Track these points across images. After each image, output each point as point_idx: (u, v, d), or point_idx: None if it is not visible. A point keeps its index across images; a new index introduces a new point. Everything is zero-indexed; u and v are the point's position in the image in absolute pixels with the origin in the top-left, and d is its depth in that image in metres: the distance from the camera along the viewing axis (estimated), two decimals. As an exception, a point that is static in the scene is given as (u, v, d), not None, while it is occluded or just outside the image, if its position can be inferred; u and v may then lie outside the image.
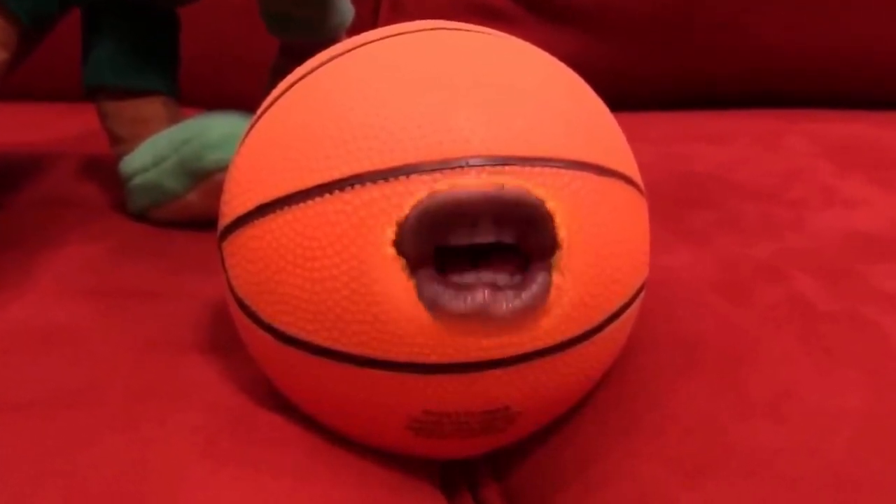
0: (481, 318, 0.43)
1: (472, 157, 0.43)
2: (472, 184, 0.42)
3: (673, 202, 0.74)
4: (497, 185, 0.42)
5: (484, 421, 0.47)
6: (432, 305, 0.43)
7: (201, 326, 0.60)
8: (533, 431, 0.52)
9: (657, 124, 0.94)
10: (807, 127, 0.91)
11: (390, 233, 0.43)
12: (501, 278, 0.44)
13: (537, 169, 0.44)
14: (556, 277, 0.44)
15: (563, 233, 0.43)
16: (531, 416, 0.49)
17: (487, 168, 0.43)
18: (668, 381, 0.54)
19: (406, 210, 0.42)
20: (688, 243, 0.67)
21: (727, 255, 0.66)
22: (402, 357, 0.44)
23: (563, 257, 0.44)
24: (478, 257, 0.44)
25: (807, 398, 0.52)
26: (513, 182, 0.43)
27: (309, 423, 0.51)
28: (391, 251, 0.42)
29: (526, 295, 0.43)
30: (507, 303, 0.43)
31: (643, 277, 0.51)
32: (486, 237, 0.43)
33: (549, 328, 0.45)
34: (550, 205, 0.43)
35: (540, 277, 0.43)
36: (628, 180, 0.49)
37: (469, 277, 0.44)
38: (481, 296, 0.43)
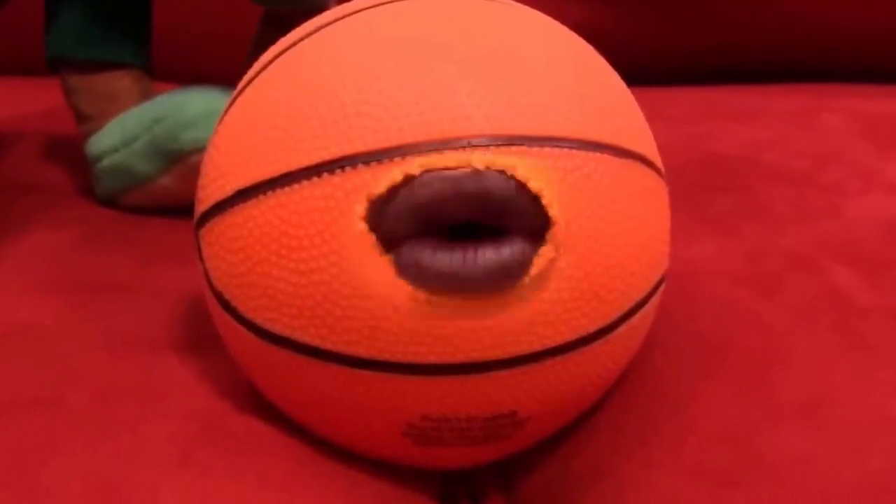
0: (459, 282, 0.43)
1: (474, 136, 0.43)
2: (450, 163, 0.42)
3: (696, 186, 0.74)
4: (473, 170, 0.42)
5: (488, 427, 0.47)
6: (411, 270, 0.43)
7: (176, 323, 0.60)
8: (542, 439, 0.53)
9: (678, 101, 0.94)
10: (844, 103, 0.90)
11: (362, 221, 0.43)
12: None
13: (546, 149, 0.44)
14: (547, 250, 0.44)
15: (554, 210, 0.43)
16: (540, 421, 0.49)
17: (492, 148, 0.43)
18: (690, 383, 0.55)
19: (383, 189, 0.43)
20: (713, 232, 0.68)
21: (756, 244, 0.66)
22: (398, 357, 0.44)
23: (559, 234, 0.44)
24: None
25: (844, 402, 0.52)
26: (498, 161, 0.43)
27: (295, 429, 0.51)
28: (373, 237, 0.43)
29: (505, 252, 0.43)
30: (486, 254, 0.43)
31: (663, 269, 0.51)
32: (468, 217, 0.43)
33: (558, 323, 0.45)
34: (535, 185, 0.43)
35: (520, 241, 0.43)
36: (647, 162, 0.49)
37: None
38: (459, 255, 0.43)
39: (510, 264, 0.43)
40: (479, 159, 0.43)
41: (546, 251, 0.43)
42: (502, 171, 0.43)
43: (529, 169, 0.43)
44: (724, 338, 0.57)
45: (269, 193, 0.45)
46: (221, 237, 0.47)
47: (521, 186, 0.43)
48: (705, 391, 0.54)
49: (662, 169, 0.52)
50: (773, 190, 0.73)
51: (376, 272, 0.43)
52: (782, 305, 0.59)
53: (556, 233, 0.44)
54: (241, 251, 0.46)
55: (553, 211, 0.43)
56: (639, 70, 0.79)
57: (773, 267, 0.63)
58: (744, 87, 0.99)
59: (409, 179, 0.42)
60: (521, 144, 0.44)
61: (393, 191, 0.43)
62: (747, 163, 0.78)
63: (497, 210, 0.43)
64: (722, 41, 1.03)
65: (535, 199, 0.43)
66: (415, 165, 0.42)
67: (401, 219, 0.43)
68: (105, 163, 0.75)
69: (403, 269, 0.43)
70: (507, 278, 0.43)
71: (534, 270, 0.43)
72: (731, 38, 1.02)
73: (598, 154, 0.46)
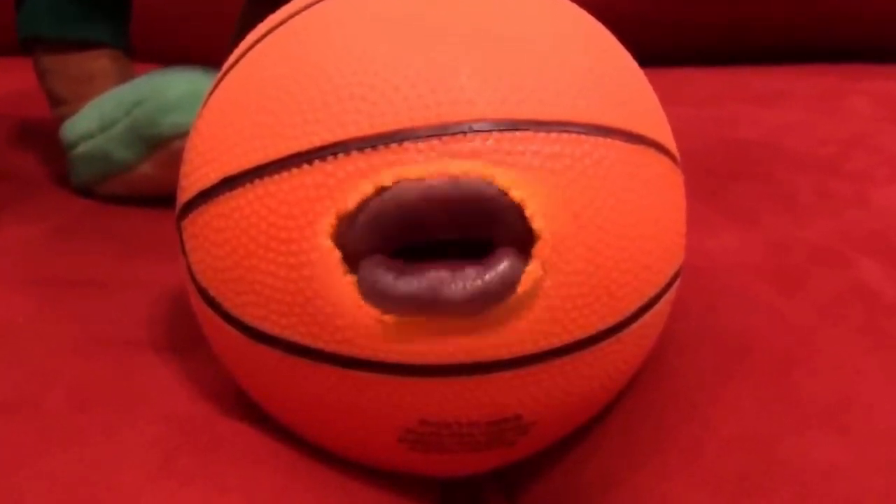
0: (432, 306, 0.43)
1: (476, 121, 0.43)
2: (422, 173, 0.42)
3: (714, 174, 0.74)
4: (450, 179, 0.42)
5: (491, 433, 0.47)
6: (371, 291, 0.43)
7: (157, 321, 0.60)
8: (548, 445, 0.53)
9: (696, 82, 0.94)
10: (871, 85, 0.90)
11: (330, 225, 0.43)
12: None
13: (553, 135, 0.44)
14: (533, 269, 0.44)
15: (539, 223, 0.43)
16: (546, 426, 0.49)
17: (495, 134, 0.43)
18: (708, 386, 0.54)
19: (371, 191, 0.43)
20: (732, 223, 0.67)
21: (778, 236, 0.66)
22: (393, 357, 0.44)
23: (544, 249, 0.44)
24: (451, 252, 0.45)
25: (872, 405, 0.52)
26: (472, 170, 0.43)
27: (285, 435, 0.51)
28: (338, 254, 0.43)
29: (491, 276, 0.43)
30: (466, 282, 0.43)
31: (678, 263, 0.51)
32: (443, 234, 0.43)
33: (566, 321, 0.45)
34: (516, 194, 0.43)
35: (506, 260, 0.43)
36: (661, 148, 0.49)
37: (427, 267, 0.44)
38: (433, 274, 0.43)
39: (495, 290, 0.43)
40: (457, 167, 0.42)
41: (532, 269, 0.43)
42: (482, 180, 0.43)
43: (512, 177, 0.43)
44: (744, 336, 0.57)
45: (257, 182, 0.45)
46: (206, 228, 0.47)
47: (503, 196, 0.43)
48: (724, 394, 0.54)
49: (678, 155, 0.52)
50: (796, 178, 0.73)
51: (343, 291, 0.44)
52: (806, 301, 0.59)
53: (542, 248, 0.44)
54: (227, 243, 0.46)
55: (538, 224, 0.43)
56: (653, 50, 0.79)
57: (796, 260, 0.63)
58: (765, 67, 1.00)
59: (380, 192, 0.43)
60: (527, 129, 0.44)
61: (363, 205, 0.43)
62: (769, 149, 0.77)
63: (476, 223, 0.43)
64: (742, 19, 1.02)
65: (518, 210, 0.43)
66: (387, 176, 0.42)
67: (366, 235, 0.43)
68: (81, 149, 0.75)
69: (365, 294, 0.43)
70: (489, 301, 0.43)
71: (520, 288, 0.43)
72: (753, 15, 1.02)
73: (608, 140, 0.46)
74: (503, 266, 0.43)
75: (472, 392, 0.45)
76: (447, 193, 0.42)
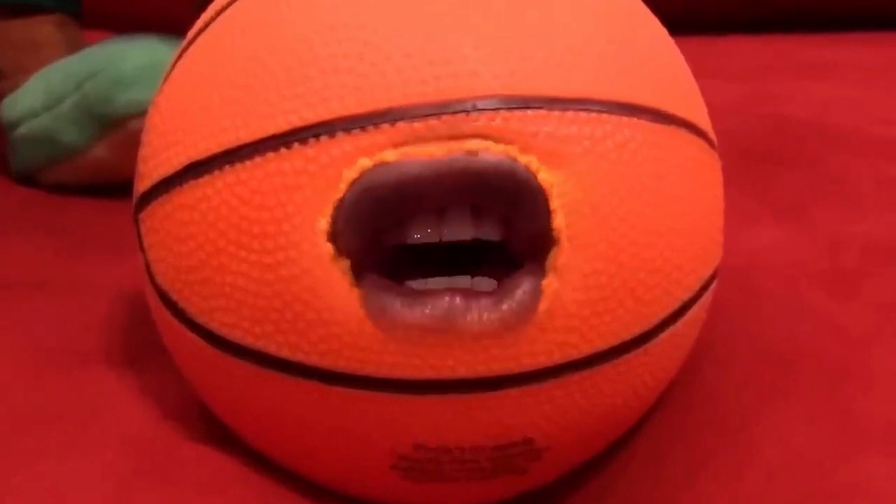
0: (447, 333, 0.43)
1: (481, 97, 0.43)
2: (430, 152, 0.42)
3: (756, 159, 0.74)
4: (467, 153, 0.42)
5: (498, 459, 0.47)
6: (379, 317, 0.43)
7: (111, 329, 0.60)
8: (564, 473, 0.52)
9: (735, 53, 0.94)
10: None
11: (312, 217, 0.43)
12: (482, 283, 0.44)
13: (570, 113, 0.44)
14: (550, 282, 0.44)
15: (559, 219, 0.43)
16: (562, 452, 0.49)
17: (502, 112, 0.43)
18: (749, 404, 0.54)
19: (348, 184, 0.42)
20: (777, 216, 0.67)
21: (830, 232, 0.66)
22: (384, 372, 0.44)
23: (562, 255, 0.44)
24: (459, 262, 0.45)
25: (938, 426, 0.51)
26: (493, 146, 0.43)
27: (258, 461, 0.51)
28: (342, 263, 0.43)
29: (508, 304, 0.43)
30: (482, 313, 0.43)
31: (715, 262, 0.51)
32: (457, 230, 0.43)
33: (585, 329, 0.45)
34: (543, 177, 0.43)
35: (525, 283, 0.44)
36: (694, 129, 0.49)
37: (437, 283, 0.44)
38: (446, 302, 0.43)
39: (515, 317, 0.43)
40: (473, 145, 0.42)
41: (551, 281, 0.44)
42: (509, 158, 0.43)
43: (532, 163, 0.43)
44: (792, 346, 0.57)
45: (227, 168, 0.45)
46: (167, 222, 0.47)
47: (529, 179, 0.43)
48: (768, 413, 0.54)
49: (714, 138, 0.52)
50: (850, 163, 0.73)
51: (327, 294, 0.43)
52: (862, 307, 0.59)
53: (561, 251, 0.44)
54: (192, 239, 0.46)
55: (558, 221, 0.44)
56: (686, 15, 0.79)
57: (850, 259, 0.63)
58: (814, 35, 1.00)
59: (378, 169, 0.43)
60: (540, 107, 0.44)
61: (355, 190, 0.43)
62: (818, 129, 0.78)
63: (491, 210, 0.43)
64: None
65: (542, 198, 0.43)
66: (388, 153, 0.42)
67: (357, 226, 0.43)
68: (23, 130, 0.75)
69: (371, 317, 0.43)
70: (508, 329, 0.43)
71: (542, 306, 0.43)
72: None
73: (634, 119, 0.46)
74: (521, 292, 0.43)
75: (476, 412, 0.45)
76: (464, 169, 0.42)
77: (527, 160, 0.43)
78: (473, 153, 0.42)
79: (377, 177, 0.42)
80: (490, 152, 0.42)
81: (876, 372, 0.55)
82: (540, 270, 0.44)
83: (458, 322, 0.43)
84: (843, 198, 0.69)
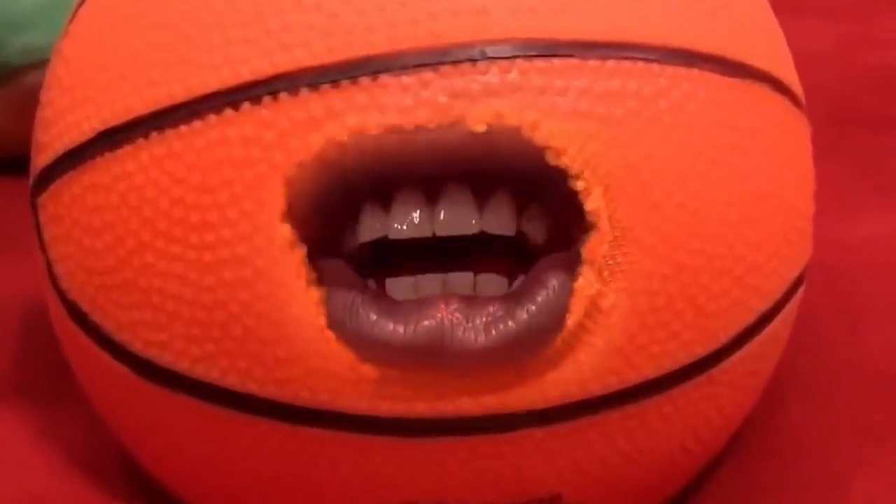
0: (442, 356, 0.40)
1: (492, 42, 0.40)
2: (421, 118, 0.40)
3: (860, 124, 0.73)
4: (470, 128, 0.39)
5: (517, 521, 0.46)
6: (347, 336, 0.41)
7: (1, 350, 0.59)
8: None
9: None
10: None
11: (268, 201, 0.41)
12: (489, 282, 0.42)
13: (611, 63, 0.41)
14: (585, 284, 0.41)
15: (593, 203, 0.40)
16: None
17: (519, 62, 0.40)
18: (849, 448, 0.53)
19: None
20: (885, 199, 0.66)
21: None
22: (360, 407, 0.41)
23: (601, 246, 0.41)
24: (458, 254, 0.44)
25: None
26: (507, 109, 0.40)
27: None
28: (300, 252, 0.41)
29: (527, 313, 0.40)
30: (489, 328, 0.40)
31: (804, 259, 0.49)
32: (455, 221, 0.41)
33: (629, 351, 0.42)
34: (571, 155, 0.40)
35: (552, 283, 0.40)
36: (777, 85, 0.47)
37: (429, 282, 0.42)
38: (437, 320, 0.40)
39: (529, 333, 0.40)
40: (483, 112, 0.39)
41: (584, 285, 0.41)
42: (514, 131, 0.40)
43: (560, 129, 0.40)
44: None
45: (155, 136, 0.42)
46: (75, 208, 0.45)
47: (544, 158, 0.40)
48: (874, 459, 0.52)
49: (801, 95, 0.50)
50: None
51: (289, 301, 0.41)
52: None
53: (598, 245, 0.41)
54: (109, 230, 0.43)
55: (593, 204, 0.40)
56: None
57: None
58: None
59: (349, 145, 0.40)
60: (570, 55, 0.41)
61: (318, 170, 0.40)
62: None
63: (495, 178, 0.41)
64: None
65: (565, 181, 0.40)
66: (367, 123, 0.40)
67: (322, 213, 0.41)
68: None
69: (331, 326, 0.41)
70: (524, 351, 0.40)
71: (570, 320, 0.41)
72: None
73: (695, 71, 0.43)
74: (544, 296, 0.41)
75: (486, 460, 0.43)
76: (465, 141, 0.40)
77: (552, 127, 0.40)
78: (480, 121, 0.40)
79: (353, 151, 0.40)
80: (503, 118, 0.40)
81: None
82: (569, 267, 0.41)
83: (455, 342, 0.40)
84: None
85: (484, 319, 0.40)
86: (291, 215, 0.41)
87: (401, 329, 0.40)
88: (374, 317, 0.40)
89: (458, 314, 0.40)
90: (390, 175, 0.40)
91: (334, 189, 0.40)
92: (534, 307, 0.40)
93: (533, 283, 0.41)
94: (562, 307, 0.40)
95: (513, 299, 0.40)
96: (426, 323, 0.40)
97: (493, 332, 0.40)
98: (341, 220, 0.41)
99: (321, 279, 0.41)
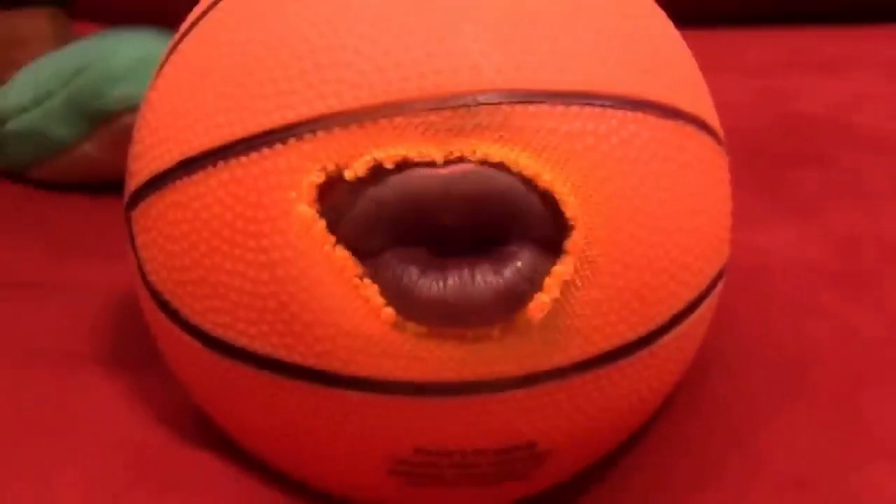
0: (452, 314, 0.43)
1: (483, 91, 0.43)
2: (431, 155, 0.43)
3: (769, 157, 0.74)
4: (460, 170, 0.43)
5: (500, 463, 0.47)
6: (393, 295, 0.43)
7: (101, 331, 0.60)
8: (568, 479, 0.52)
9: (747, 46, 0.94)
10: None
11: (309, 216, 0.44)
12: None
13: (574, 108, 0.44)
14: (563, 269, 0.44)
15: (573, 210, 0.43)
16: (566, 456, 0.49)
17: (504, 107, 0.43)
18: (759, 411, 0.54)
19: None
20: (789, 214, 0.67)
21: (846, 232, 0.66)
22: (384, 373, 0.44)
23: (578, 243, 0.44)
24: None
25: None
26: (494, 152, 0.43)
27: (255, 466, 0.51)
28: (340, 249, 0.44)
29: (507, 273, 0.43)
30: (481, 282, 0.43)
31: (722, 261, 0.51)
32: (456, 236, 0.43)
33: (588, 330, 0.45)
34: (546, 179, 0.43)
35: (526, 254, 0.43)
36: (702, 125, 0.49)
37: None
38: (460, 274, 0.43)
39: (513, 289, 0.43)
40: (482, 151, 0.43)
41: (560, 270, 0.44)
42: (503, 166, 0.43)
43: (538, 161, 0.43)
44: (804, 350, 0.57)
45: (221, 165, 0.45)
46: (160, 220, 0.47)
47: (528, 185, 0.43)
48: (778, 420, 0.54)
49: (722, 134, 0.52)
50: (866, 161, 0.73)
51: (325, 294, 0.44)
52: (878, 310, 0.59)
53: (576, 242, 0.44)
54: (186, 238, 0.46)
55: (572, 211, 0.43)
56: (695, 7, 0.78)
57: (866, 260, 0.63)
58: (830, 29, 0.99)
59: (377, 175, 0.43)
60: (542, 102, 0.44)
61: (355, 191, 0.43)
62: (834, 126, 0.78)
63: (495, 217, 0.43)
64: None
65: (546, 199, 0.43)
66: (385, 157, 0.43)
67: (368, 229, 0.43)
68: (12, 126, 0.75)
69: (384, 291, 0.43)
70: (509, 308, 0.43)
71: (546, 295, 0.43)
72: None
73: (639, 114, 0.46)
74: (524, 263, 0.43)
75: (478, 415, 0.45)
76: (473, 188, 0.42)
77: (528, 157, 0.43)
78: (482, 167, 0.43)
79: (380, 188, 0.43)
80: (502, 169, 0.43)
81: (891, 377, 0.55)
82: (551, 254, 0.44)
83: (469, 290, 0.43)
84: (861, 197, 0.69)
85: (480, 276, 0.43)
86: (329, 226, 0.43)
87: (434, 285, 0.43)
88: (414, 275, 0.43)
89: (465, 273, 0.43)
90: (410, 209, 0.42)
91: (367, 211, 0.43)
92: (512, 270, 0.43)
93: (513, 255, 0.43)
94: (538, 276, 0.43)
95: (499, 261, 0.43)
96: (452, 279, 0.43)
97: (486, 285, 0.43)
98: (372, 234, 0.43)
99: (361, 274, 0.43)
